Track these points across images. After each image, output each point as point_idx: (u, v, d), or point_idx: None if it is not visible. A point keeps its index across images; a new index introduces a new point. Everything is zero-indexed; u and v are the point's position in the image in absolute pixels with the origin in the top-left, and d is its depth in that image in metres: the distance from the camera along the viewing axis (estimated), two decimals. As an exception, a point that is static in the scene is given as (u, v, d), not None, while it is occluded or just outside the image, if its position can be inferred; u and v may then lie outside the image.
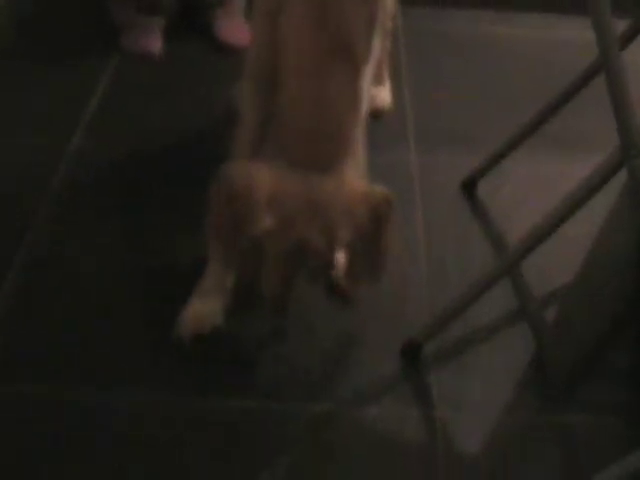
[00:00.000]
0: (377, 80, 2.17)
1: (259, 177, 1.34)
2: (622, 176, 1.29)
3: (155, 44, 2.37)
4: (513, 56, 2.43)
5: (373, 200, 1.40)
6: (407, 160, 2.04)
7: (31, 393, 1.47)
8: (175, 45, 2.38)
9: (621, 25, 1.35)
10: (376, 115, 2.13)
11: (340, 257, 1.70)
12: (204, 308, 1.61)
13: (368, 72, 1.40)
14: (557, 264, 1.79)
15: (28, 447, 1.38)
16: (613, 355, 1.62)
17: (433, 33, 2.53)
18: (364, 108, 1.42)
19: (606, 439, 1.47)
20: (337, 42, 1.34)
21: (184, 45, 2.40)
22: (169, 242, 1.77)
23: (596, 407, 1.51)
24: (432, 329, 1.57)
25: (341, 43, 1.34)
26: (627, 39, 1.59)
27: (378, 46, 1.47)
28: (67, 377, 1.50)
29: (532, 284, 1.75)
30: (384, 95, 2.19)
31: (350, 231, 1.38)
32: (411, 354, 1.58)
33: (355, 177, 1.41)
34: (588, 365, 1.62)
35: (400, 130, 2.14)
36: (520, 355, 1.61)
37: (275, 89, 1.38)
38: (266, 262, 1.39)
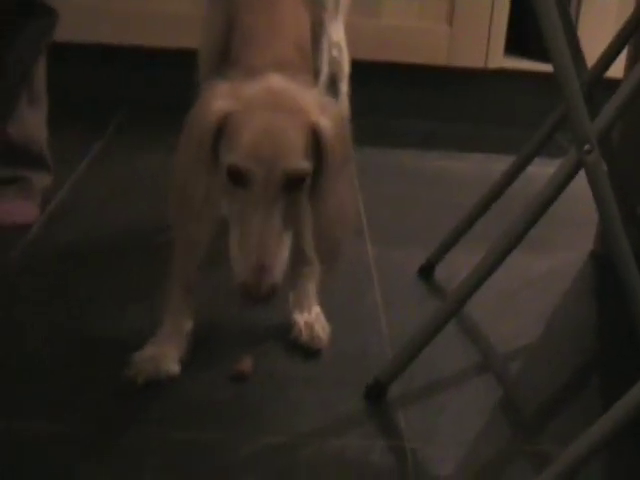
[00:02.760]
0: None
1: (216, 90, 1.28)
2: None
3: None
4: (455, 183, 2.56)
5: (330, 107, 1.31)
6: (363, 251, 2.06)
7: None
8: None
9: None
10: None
11: (299, 318, 1.68)
12: (160, 353, 1.54)
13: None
14: (517, 330, 1.79)
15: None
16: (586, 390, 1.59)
17: (382, 165, 2.64)
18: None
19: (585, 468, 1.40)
20: None
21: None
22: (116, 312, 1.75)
23: (571, 437, 1.44)
24: (393, 368, 1.52)
25: None
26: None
27: None
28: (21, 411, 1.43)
29: (494, 345, 1.74)
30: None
31: (328, 122, 1.26)
32: (375, 394, 1.52)
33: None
34: (560, 401, 1.58)
35: (355, 230, 2.17)
36: (486, 398, 1.56)
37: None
38: (246, 196, 1.23)
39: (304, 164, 1.26)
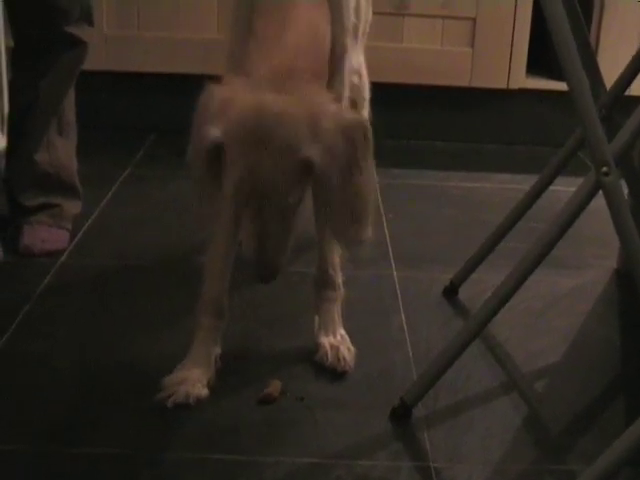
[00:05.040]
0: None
1: (217, 88, 1.32)
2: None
3: None
4: (479, 204, 2.59)
5: (344, 121, 1.32)
6: (389, 274, 2.08)
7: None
8: None
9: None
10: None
11: (325, 341, 1.70)
12: (190, 377, 1.57)
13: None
14: (542, 349, 1.80)
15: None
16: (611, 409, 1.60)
17: (406, 186, 2.67)
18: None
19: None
20: None
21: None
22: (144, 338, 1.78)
23: (597, 456, 1.44)
24: (418, 389, 1.54)
25: None
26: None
27: None
28: (52, 433, 1.46)
29: (519, 364, 1.75)
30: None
31: (319, 150, 1.29)
32: (401, 415, 1.54)
33: (326, 99, 1.35)
34: (586, 420, 1.59)
35: (380, 251, 2.20)
36: (512, 418, 1.57)
37: None
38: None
39: (290, 199, 1.32)
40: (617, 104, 1.71)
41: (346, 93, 1.55)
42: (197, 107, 1.36)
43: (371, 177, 1.39)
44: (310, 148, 1.30)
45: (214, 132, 1.32)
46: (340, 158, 1.31)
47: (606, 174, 1.37)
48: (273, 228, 1.33)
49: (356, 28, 1.60)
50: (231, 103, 1.32)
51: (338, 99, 1.49)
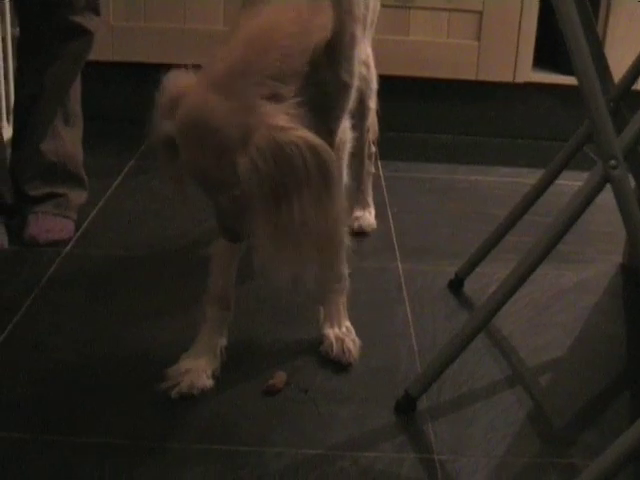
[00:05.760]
0: (362, 205, 2.27)
1: (173, 82, 1.37)
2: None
3: None
4: (485, 197, 2.59)
5: (282, 140, 1.23)
6: (394, 266, 2.08)
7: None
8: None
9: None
10: (360, 234, 2.21)
11: (330, 332, 1.70)
12: (195, 368, 1.57)
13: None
14: (546, 343, 1.80)
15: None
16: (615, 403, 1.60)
17: (412, 179, 2.67)
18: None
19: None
20: None
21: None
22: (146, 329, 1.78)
23: (601, 450, 1.44)
24: (423, 382, 1.54)
25: None
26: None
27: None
28: (56, 424, 1.46)
29: (524, 358, 1.75)
30: (369, 218, 2.26)
31: (245, 161, 1.25)
32: (405, 408, 1.54)
33: (274, 111, 1.27)
34: (589, 414, 1.59)
35: (385, 243, 2.20)
36: (516, 411, 1.57)
37: None
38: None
39: (235, 192, 1.31)
40: (625, 98, 1.70)
41: (356, 83, 1.53)
42: (156, 97, 1.41)
43: (330, 216, 1.28)
44: (239, 154, 1.27)
45: (166, 126, 1.38)
46: (266, 178, 1.25)
47: (614, 167, 1.36)
48: (225, 209, 1.38)
49: (364, 19, 1.59)
50: (181, 99, 1.35)
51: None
